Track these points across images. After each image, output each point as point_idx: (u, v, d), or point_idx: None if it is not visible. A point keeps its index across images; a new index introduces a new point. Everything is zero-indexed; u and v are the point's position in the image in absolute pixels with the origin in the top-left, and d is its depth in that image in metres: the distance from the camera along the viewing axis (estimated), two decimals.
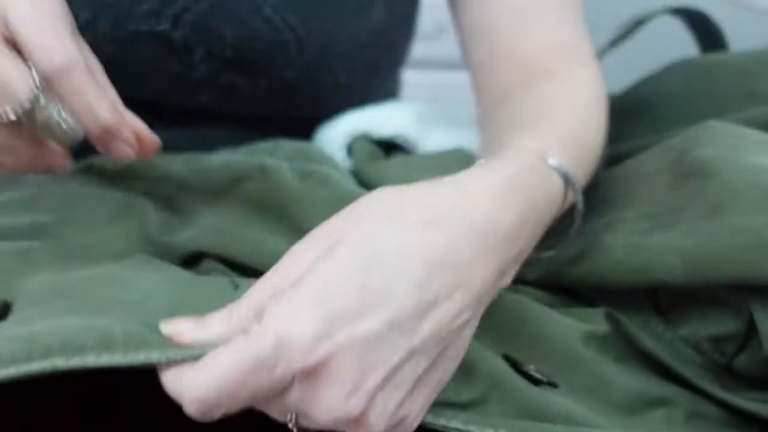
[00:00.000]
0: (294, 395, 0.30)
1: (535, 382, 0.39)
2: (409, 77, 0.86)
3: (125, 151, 0.41)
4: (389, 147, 0.61)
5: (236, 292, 0.36)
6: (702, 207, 0.39)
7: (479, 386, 0.37)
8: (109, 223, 0.49)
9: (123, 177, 0.53)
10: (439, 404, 0.34)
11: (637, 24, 0.55)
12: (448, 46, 0.73)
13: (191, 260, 0.48)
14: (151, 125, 0.59)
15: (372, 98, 0.64)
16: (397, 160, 0.56)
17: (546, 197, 0.38)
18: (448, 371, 0.33)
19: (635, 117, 0.57)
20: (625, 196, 0.45)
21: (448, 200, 0.32)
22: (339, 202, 0.47)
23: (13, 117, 0.37)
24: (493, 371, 0.37)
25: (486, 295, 0.33)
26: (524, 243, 0.35)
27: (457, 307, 0.31)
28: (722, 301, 0.39)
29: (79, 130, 0.39)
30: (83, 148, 0.60)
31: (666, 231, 0.40)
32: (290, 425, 0.31)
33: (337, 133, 0.60)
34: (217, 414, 0.30)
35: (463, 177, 0.35)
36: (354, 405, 0.29)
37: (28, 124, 0.38)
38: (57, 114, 0.38)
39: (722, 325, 0.39)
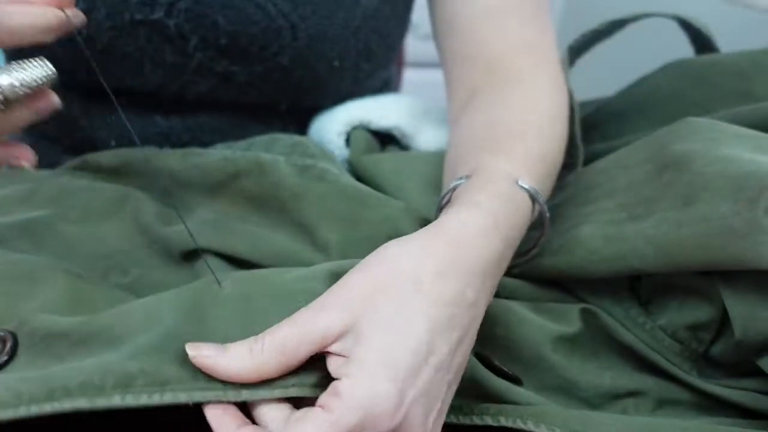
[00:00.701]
0: None
1: (503, 375, 0.42)
2: (410, 76, 0.86)
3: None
4: (386, 138, 0.61)
5: (220, 290, 0.37)
6: (674, 198, 0.40)
7: None
8: (105, 215, 0.49)
9: (119, 172, 0.53)
10: None
11: (616, 25, 0.56)
12: None
13: (188, 255, 0.48)
14: (151, 115, 0.60)
15: (366, 84, 0.65)
16: (391, 155, 0.57)
17: (521, 218, 0.42)
18: (457, 383, 0.37)
19: (631, 117, 0.57)
20: (606, 184, 0.46)
21: (449, 256, 0.36)
22: (336, 196, 0.48)
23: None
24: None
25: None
26: (507, 261, 0.41)
27: (472, 334, 0.37)
28: (698, 290, 0.41)
29: (49, 69, 0.39)
30: (82, 146, 0.60)
31: (640, 221, 0.41)
32: None
33: (336, 122, 0.60)
34: None
35: (455, 227, 0.38)
36: None
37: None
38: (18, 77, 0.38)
39: (699, 313, 0.41)
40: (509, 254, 0.41)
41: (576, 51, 0.57)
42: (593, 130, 0.59)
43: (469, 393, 0.40)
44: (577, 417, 0.37)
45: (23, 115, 0.39)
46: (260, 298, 0.36)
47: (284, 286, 0.37)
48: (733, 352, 0.40)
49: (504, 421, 0.38)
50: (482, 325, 0.38)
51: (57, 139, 0.63)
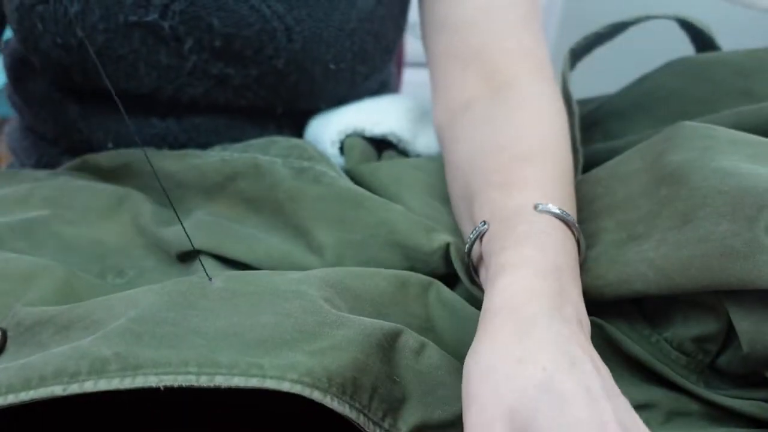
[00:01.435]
0: None
1: None
2: (409, 76, 0.85)
3: None
4: (381, 143, 0.60)
5: (209, 284, 0.37)
6: (672, 217, 0.39)
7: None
8: (103, 216, 0.49)
9: (117, 173, 0.53)
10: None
11: (617, 27, 0.55)
12: None
13: (185, 256, 0.47)
14: (147, 116, 0.59)
15: (362, 87, 0.64)
16: (389, 163, 0.56)
17: (563, 246, 0.40)
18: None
19: (633, 115, 0.56)
20: (605, 197, 0.45)
21: (521, 343, 0.33)
22: (332, 199, 0.48)
23: None
24: None
25: None
26: (575, 275, 0.39)
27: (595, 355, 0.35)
28: (702, 303, 0.40)
29: None
30: (81, 148, 0.60)
31: (641, 242, 0.40)
32: None
33: (330, 129, 0.59)
34: None
35: (514, 307, 0.35)
36: None
37: None
38: None
39: (704, 326, 0.40)
40: (572, 282, 0.38)
41: (578, 54, 0.56)
42: (595, 127, 0.58)
43: None
44: None
45: None
46: (249, 294, 0.36)
47: (274, 285, 0.37)
48: (740, 362, 0.39)
49: None
50: None
51: (56, 141, 0.63)
